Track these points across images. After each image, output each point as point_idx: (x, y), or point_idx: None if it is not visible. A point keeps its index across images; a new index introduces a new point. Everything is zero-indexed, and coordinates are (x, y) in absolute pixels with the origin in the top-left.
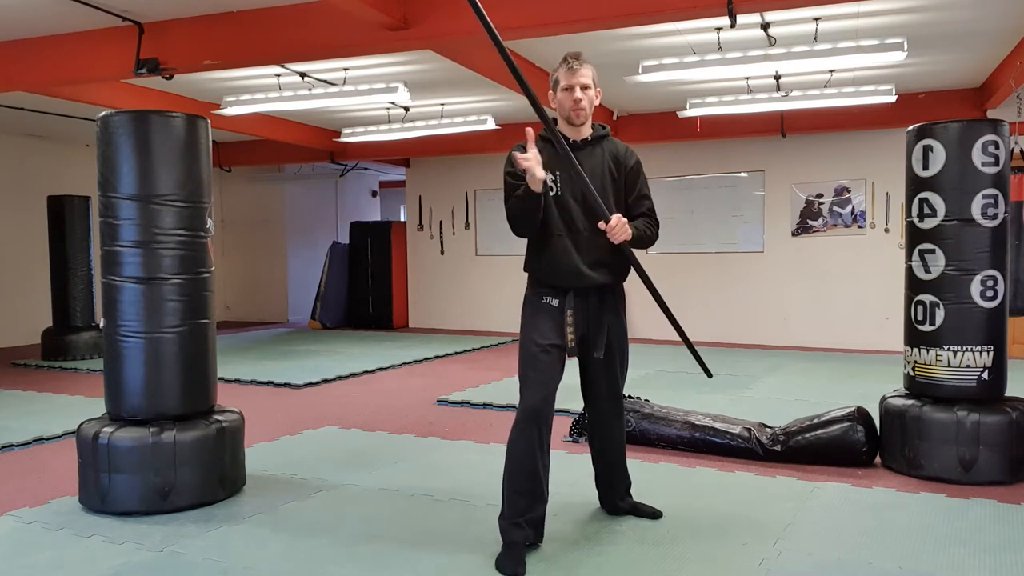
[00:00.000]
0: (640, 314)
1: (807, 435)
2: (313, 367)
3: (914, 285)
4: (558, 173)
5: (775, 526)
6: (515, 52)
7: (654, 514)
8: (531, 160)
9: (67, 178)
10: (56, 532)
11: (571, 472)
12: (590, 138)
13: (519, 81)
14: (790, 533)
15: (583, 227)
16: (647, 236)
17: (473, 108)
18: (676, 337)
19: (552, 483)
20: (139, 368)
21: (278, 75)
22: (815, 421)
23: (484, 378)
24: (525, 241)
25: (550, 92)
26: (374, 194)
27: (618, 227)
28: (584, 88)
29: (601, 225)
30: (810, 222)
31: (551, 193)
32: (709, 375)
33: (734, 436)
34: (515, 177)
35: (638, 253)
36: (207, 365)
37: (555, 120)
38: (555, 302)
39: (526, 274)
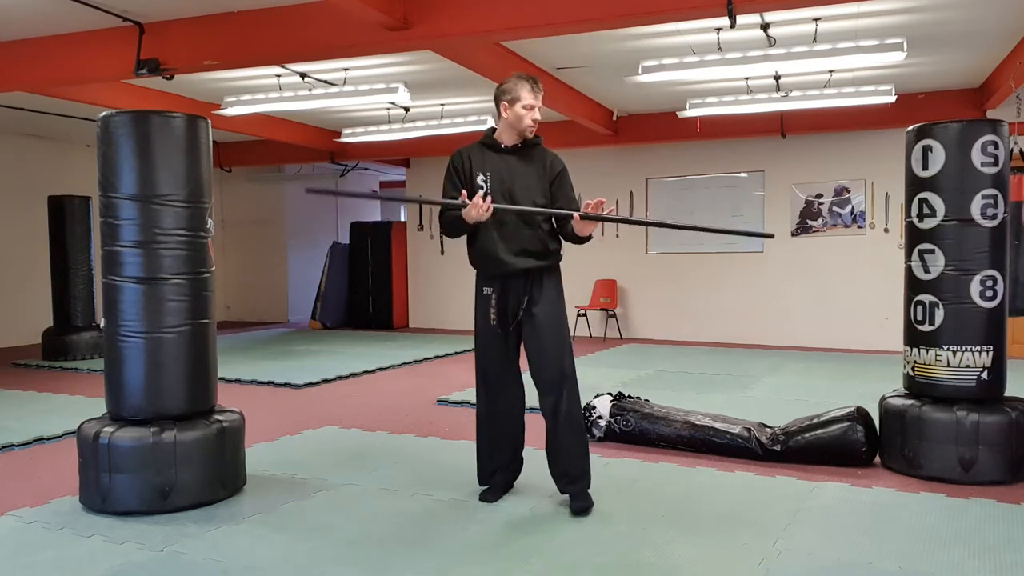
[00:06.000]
0: (641, 314)
1: (807, 435)
2: (313, 367)
3: (914, 285)
4: (489, 173)
5: (775, 526)
6: (515, 52)
7: (580, 510)
8: (481, 208)
9: (67, 178)
10: (56, 532)
11: None
12: (520, 144)
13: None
14: (790, 533)
15: (510, 220)
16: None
17: (473, 108)
18: (676, 337)
19: (551, 481)
20: (140, 368)
21: (278, 75)
22: (815, 421)
23: None
24: None
25: (503, 102)
26: None
27: (587, 223)
28: (539, 109)
29: (577, 218)
30: (810, 222)
31: (481, 191)
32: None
33: (734, 436)
34: (456, 188)
35: (635, 253)
36: (207, 365)
37: (493, 129)
38: (489, 290)
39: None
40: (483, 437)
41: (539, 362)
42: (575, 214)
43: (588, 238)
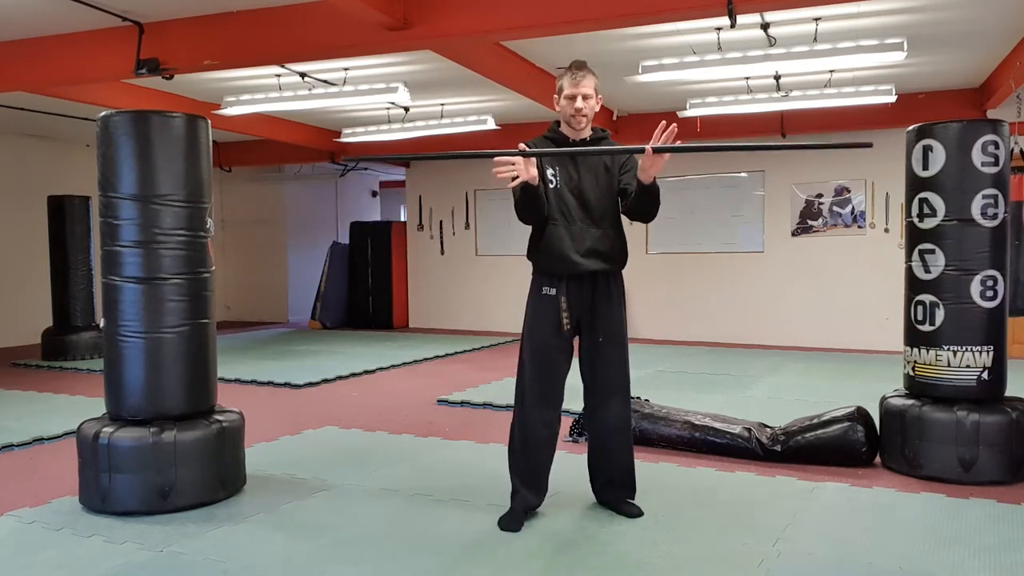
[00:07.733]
0: (641, 314)
1: (807, 435)
2: (313, 367)
3: (914, 285)
4: (557, 168)
5: (775, 526)
6: (515, 52)
7: (631, 513)
8: (515, 166)
9: (67, 178)
10: (56, 532)
11: (571, 472)
12: (588, 139)
13: None
14: (790, 533)
15: (579, 219)
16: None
17: (473, 108)
18: (676, 337)
19: (552, 483)
20: (139, 368)
21: (278, 75)
22: (815, 421)
23: (484, 378)
24: (525, 242)
25: (555, 95)
26: (374, 194)
27: (655, 165)
28: (585, 98)
29: (649, 151)
30: (810, 222)
31: (551, 185)
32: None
33: (734, 436)
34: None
35: (635, 253)
36: (207, 365)
37: (558, 122)
38: (552, 291)
39: (530, 263)
40: (522, 466)
41: (604, 372)
42: (647, 147)
43: (655, 193)
